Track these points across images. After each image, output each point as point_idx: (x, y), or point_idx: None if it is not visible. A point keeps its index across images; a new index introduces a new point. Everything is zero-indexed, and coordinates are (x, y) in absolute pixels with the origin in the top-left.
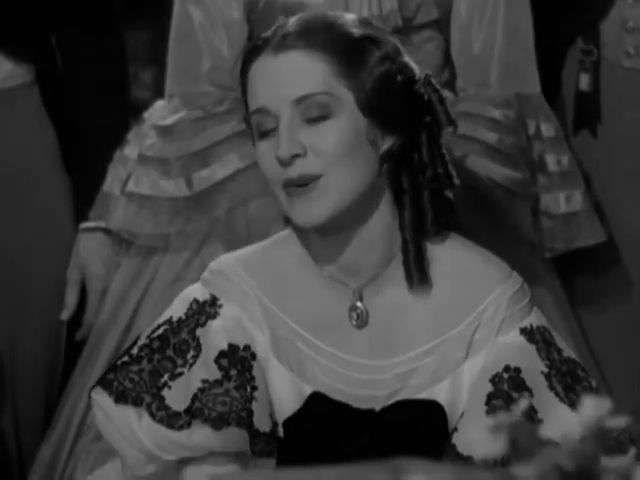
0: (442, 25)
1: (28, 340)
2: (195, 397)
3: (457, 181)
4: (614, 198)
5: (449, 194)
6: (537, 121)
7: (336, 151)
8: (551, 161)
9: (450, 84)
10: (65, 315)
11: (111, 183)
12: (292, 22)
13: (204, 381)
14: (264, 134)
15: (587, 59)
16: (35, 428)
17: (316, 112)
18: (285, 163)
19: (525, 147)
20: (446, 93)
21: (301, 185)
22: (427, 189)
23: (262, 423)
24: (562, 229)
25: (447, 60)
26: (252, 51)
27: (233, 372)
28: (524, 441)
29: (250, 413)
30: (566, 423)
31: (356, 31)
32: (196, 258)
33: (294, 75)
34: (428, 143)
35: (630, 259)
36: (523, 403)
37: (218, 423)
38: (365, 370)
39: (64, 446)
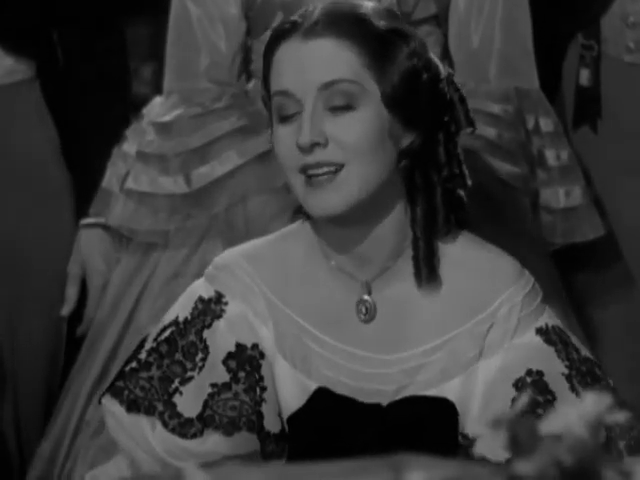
0: (440, 20)
1: (28, 335)
2: (206, 404)
3: (470, 181)
4: (614, 193)
5: (461, 193)
6: (536, 116)
7: (358, 143)
8: (550, 156)
9: None
10: (65, 310)
11: (110, 179)
12: (322, 9)
13: (213, 385)
14: (284, 118)
15: (588, 54)
16: (36, 423)
17: (341, 100)
18: (305, 150)
19: (524, 142)
20: None
21: (320, 175)
22: (440, 187)
23: (272, 424)
24: (562, 223)
25: (445, 55)
26: (280, 34)
27: (241, 374)
28: (524, 437)
29: (260, 416)
30: (567, 418)
31: (386, 24)
32: (195, 254)
33: (323, 61)
34: (445, 142)
35: (630, 254)
36: (524, 398)
37: (229, 429)
38: (371, 364)
39: (63, 441)
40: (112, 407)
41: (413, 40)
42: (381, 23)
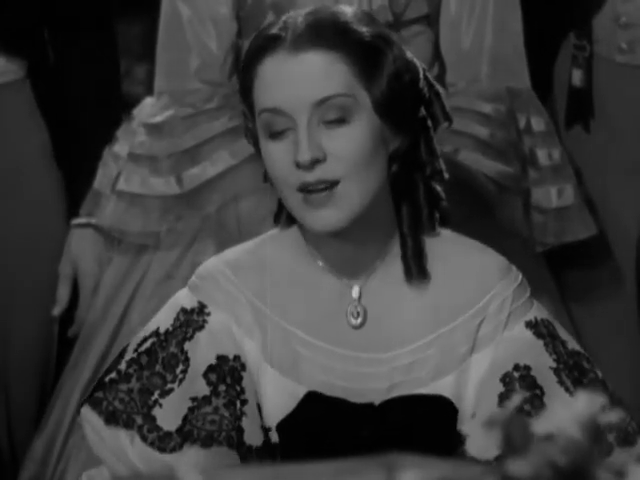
0: (432, 20)
1: (20, 337)
2: (186, 418)
3: (447, 175)
4: (606, 193)
5: (438, 187)
6: (528, 115)
7: (357, 156)
8: (542, 155)
9: (440, 79)
10: (57, 311)
11: (101, 180)
12: (304, 20)
13: (193, 399)
14: (274, 134)
15: (580, 55)
16: (28, 424)
17: (335, 115)
18: (305, 167)
19: (516, 141)
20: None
21: (319, 190)
22: (422, 185)
23: (253, 438)
24: (553, 223)
25: (437, 55)
26: (261, 48)
27: (222, 387)
28: (518, 436)
29: (240, 431)
30: (560, 419)
31: (369, 30)
32: (187, 255)
33: (315, 76)
34: (425, 139)
35: (621, 253)
36: (517, 398)
37: (207, 441)
38: (363, 364)
39: (56, 442)
40: (91, 418)
41: (395, 43)
42: (365, 30)
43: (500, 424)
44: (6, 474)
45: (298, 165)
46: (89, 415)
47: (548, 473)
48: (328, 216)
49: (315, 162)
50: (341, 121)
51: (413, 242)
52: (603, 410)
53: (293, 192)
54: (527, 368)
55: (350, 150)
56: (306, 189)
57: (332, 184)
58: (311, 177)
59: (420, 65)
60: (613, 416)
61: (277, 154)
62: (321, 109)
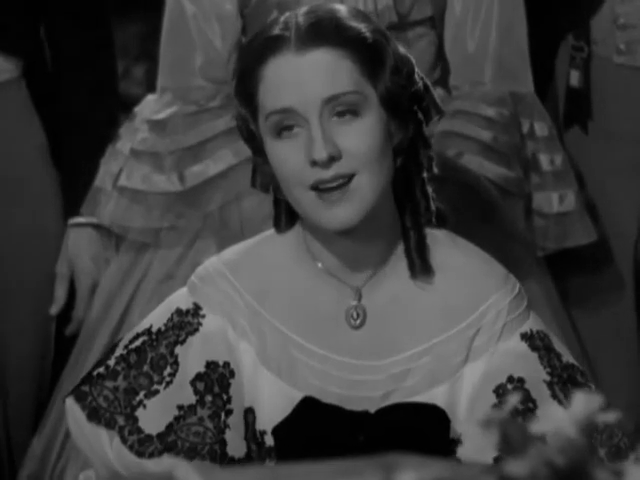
0: (436, 22)
1: (17, 335)
2: (171, 427)
3: (436, 169)
4: (604, 195)
5: (429, 187)
6: (531, 120)
7: (370, 150)
8: (544, 160)
9: (442, 81)
10: (54, 310)
11: (103, 178)
12: (304, 19)
13: (180, 407)
14: (284, 133)
15: (578, 55)
16: (25, 422)
17: (345, 112)
18: (322, 165)
19: (519, 146)
20: (439, 91)
21: (333, 188)
22: (419, 178)
23: (237, 450)
24: (554, 228)
25: (439, 57)
26: (264, 50)
27: (208, 398)
28: (515, 437)
29: (223, 443)
30: (557, 419)
31: (368, 26)
32: (188, 254)
33: (325, 74)
34: (420, 132)
35: (621, 258)
36: (513, 399)
37: (190, 453)
38: (359, 371)
39: (56, 441)
40: (74, 410)
41: (390, 38)
42: (363, 26)
43: (497, 424)
44: (3, 473)
45: (315, 163)
46: (73, 407)
47: (546, 473)
48: (343, 213)
49: (331, 159)
50: (352, 118)
51: (416, 235)
52: (600, 410)
53: (305, 191)
54: (521, 381)
55: (364, 145)
56: (321, 186)
57: (348, 178)
58: (326, 174)
59: (411, 59)
60: (610, 416)
61: (288, 153)
62: (331, 106)
